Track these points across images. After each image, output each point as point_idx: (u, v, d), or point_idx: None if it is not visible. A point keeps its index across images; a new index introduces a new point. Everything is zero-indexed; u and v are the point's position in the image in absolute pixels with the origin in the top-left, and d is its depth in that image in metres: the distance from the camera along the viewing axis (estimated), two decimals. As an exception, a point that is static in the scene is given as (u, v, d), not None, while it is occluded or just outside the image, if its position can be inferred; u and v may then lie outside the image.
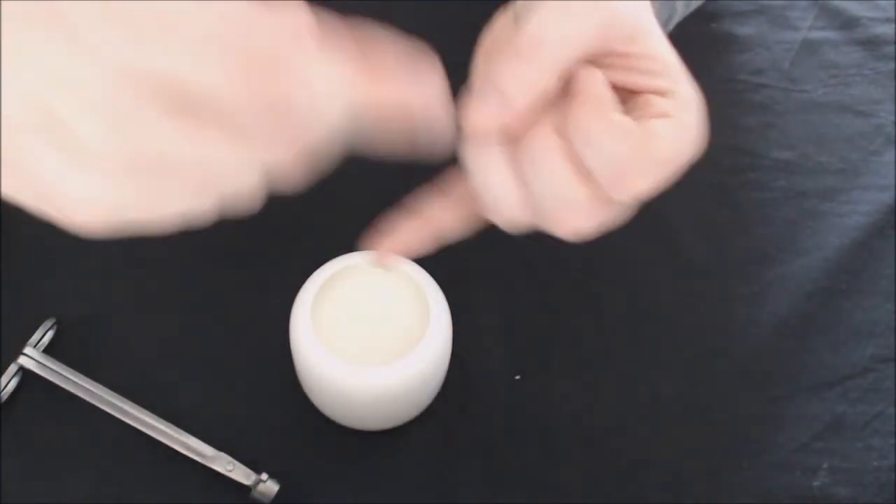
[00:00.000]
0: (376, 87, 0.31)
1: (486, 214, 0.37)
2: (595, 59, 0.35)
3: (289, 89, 0.28)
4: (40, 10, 0.26)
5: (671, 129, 0.34)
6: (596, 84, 0.34)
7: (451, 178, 0.39)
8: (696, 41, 0.66)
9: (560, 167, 0.34)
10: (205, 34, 0.26)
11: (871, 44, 0.66)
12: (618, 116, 0.34)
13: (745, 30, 0.67)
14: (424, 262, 0.48)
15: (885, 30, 0.67)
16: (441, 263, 0.49)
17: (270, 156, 0.29)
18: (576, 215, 0.35)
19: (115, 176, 0.29)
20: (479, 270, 0.56)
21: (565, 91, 0.34)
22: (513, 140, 0.35)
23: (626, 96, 0.36)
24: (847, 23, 0.67)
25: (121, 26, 0.26)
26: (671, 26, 0.53)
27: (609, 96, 0.34)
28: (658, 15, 0.38)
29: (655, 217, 0.59)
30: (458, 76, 0.42)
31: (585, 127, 0.33)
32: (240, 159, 0.29)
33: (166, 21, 0.26)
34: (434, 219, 0.39)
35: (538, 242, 0.58)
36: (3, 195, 0.31)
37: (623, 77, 0.35)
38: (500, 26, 0.36)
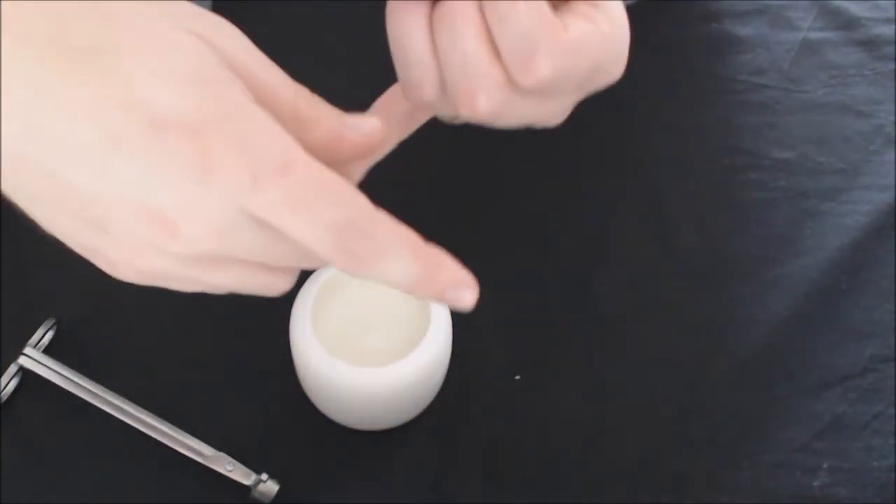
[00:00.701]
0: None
1: (403, 89, 0.38)
2: None
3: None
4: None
5: (584, 24, 0.35)
6: None
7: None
8: (696, 41, 0.67)
9: (471, 37, 0.34)
10: (329, 225, 0.30)
11: (871, 44, 0.66)
12: None
13: (745, 30, 0.67)
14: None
15: (885, 30, 0.67)
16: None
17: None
18: (478, 90, 0.35)
19: (189, 266, 0.32)
20: (479, 270, 0.56)
21: None
22: (432, 6, 0.35)
23: (556, 3, 0.36)
24: (847, 23, 0.67)
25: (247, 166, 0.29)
26: None
27: None
28: None
29: (655, 216, 0.59)
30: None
31: (500, 1, 0.34)
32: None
33: (303, 203, 0.30)
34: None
35: (538, 242, 0.58)
36: (56, 233, 0.34)
37: None
38: None
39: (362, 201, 0.31)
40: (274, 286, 0.35)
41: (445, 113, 0.39)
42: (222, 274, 0.33)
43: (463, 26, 0.34)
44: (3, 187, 0.31)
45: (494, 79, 0.35)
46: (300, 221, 0.30)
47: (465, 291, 0.33)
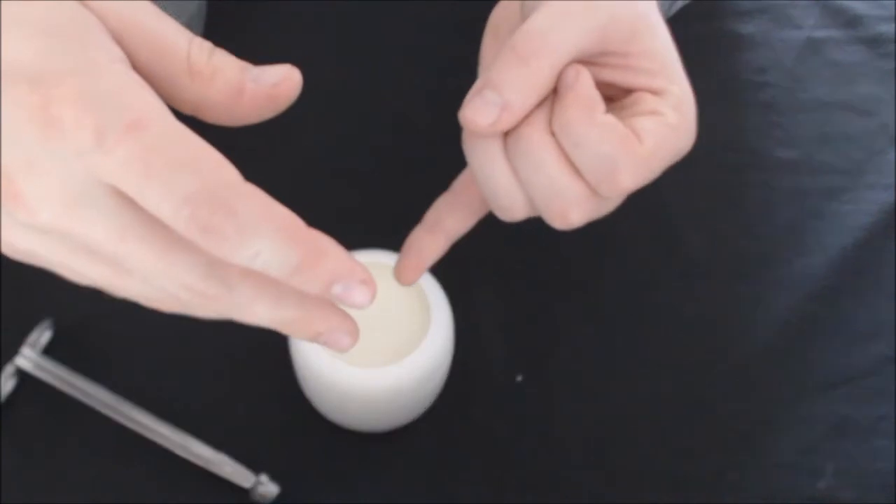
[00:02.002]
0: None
1: (489, 207, 0.39)
2: (591, 58, 0.36)
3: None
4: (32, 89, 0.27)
5: (656, 127, 0.35)
6: (583, 84, 0.35)
7: (460, 181, 0.40)
8: (699, 40, 0.66)
9: (551, 162, 0.35)
10: (184, 197, 0.27)
11: (874, 42, 0.66)
12: (602, 117, 0.34)
13: (748, 29, 0.67)
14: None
15: (888, 28, 0.67)
16: (441, 263, 0.49)
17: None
18: (568, 207, 0.36)
19: (54, 246, 0.30)
20: (480, 271, 0.56)
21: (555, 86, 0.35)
22: (509, 132, 0.36)
23: (621, 94, 0.36)
24: (850, 22, 0.67)
25: (100, 138, 0.27)
26: (674, 10, 0.53)
27: (595, 96, 0.35)
28: (660, 7, 0.39)
29: (657, 216, 0.59)
30: (458, 72, 0.42)
31: (573, 128, 0.34)
32: (157, 279, 0.30)
33: (153, 169, 0.27)
34: (449, 227, 0.41)
35: (539, 243, 0.58)
36: None
37: (617, 75, 0.36)
38: (504, 9, 0.38)
39: (228, 172, 0.28)
40: (155, 297, 0.32)
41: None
42: (85, 264, 0.30)
43: (541, 152, 0.35)
44: None
45: (582, 194, 0.36)
46: (152, 188, 0.27)
47: (357, 287, 0.30)
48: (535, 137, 0.35)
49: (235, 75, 0.30)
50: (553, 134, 0.35)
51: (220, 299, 0.31)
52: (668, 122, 0.36)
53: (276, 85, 0.31)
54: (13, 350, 0.51)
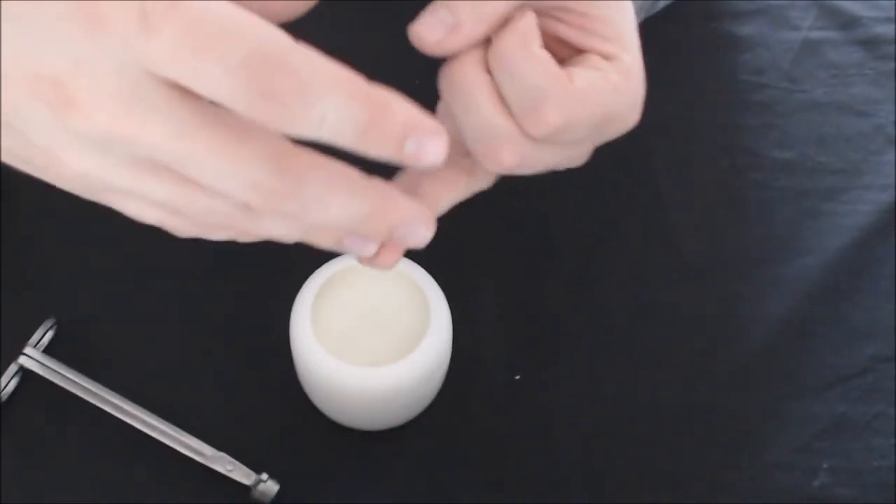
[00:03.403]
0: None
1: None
2: (550, 10, 0.36)
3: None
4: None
5: (592, 75, 0.35)
6: (525, 20, 0.34)
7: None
8: (696, 41, 0.67)
9: (483, 100, 0.35)
10: (238, 63, 0.26)
11: (871, 43, 0.66)
12: (538, 50, 0.34)
13: (745, 30, 0.67)
14: (424, 262, 0.48)
15: (885, 29, 0.67)
16: (441, 263, 0.49)
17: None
18: (499, 147, 0.35)
19: (113, 161, 0.29)
20: (480, 271, 0.56)
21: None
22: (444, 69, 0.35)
23: (573, 54, 0.37)
24: (847, 22, 0.67)
25: (154, 32, 0.26)
26: (656, 10, 0.53)
27: (535, 32, 0.35)
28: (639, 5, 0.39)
29: (656, 216, 0.59)
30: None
31: (507, 57, 0.34)
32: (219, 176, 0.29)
33: (202, 41, 0.26)
34: (429, 193, 0.38)
35: (538, 243, 0.58)
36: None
37: (572, 33, 0.36)
38: None
39: (279, 35, 0.26)
40: (222, 214, 0.30)
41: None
42: (153, 183, 0.29)
43: (475, 89, 0.35)
44: None
45: (513, 133, 0.35)
46: (203, 63, 0.26)
47: (428, 140, 0.29)
48: (467, 72, 0.35)
49: None
50: (485, 71, 0.35)
51: (291, 196, 0.29)
52: (607, 77, 0.35)
53: None
54: (14, 349, 0.51)
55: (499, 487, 0.50)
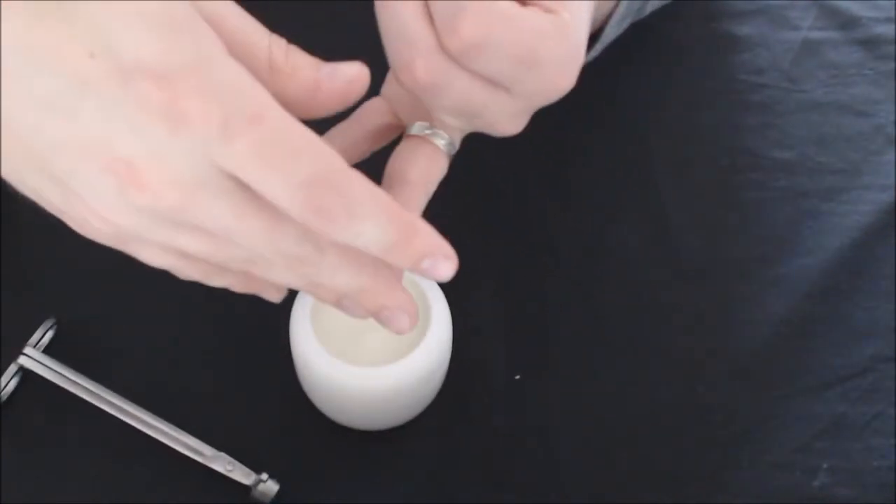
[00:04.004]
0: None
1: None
2: None
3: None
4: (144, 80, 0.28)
5: (521, 10, 0.35)
6: None
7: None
8: (696, 41, 0.67)
9: (409, 9, 0.35)
10: (301, 181, 0.30)
11: (871, 43, 0.66)
12: None
13: (745, 30, 0.67)
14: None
15: (885, 29, 0.67)
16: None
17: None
18: (413, 58, 0.35)
19: (158, 224, 0.31)
20: (479, 271, 0.56)
21: None
22: None
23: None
24: (847, 22, 0.67)
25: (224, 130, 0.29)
26: (647, 11, 0.53)
27: None
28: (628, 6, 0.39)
29: (655, 217, 0.59)
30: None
31: None
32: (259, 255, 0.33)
33: (273, 157, 0.29)
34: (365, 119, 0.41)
35: (538, 243, 0.58)
36: (28, 192, 0.33)
37: None
38: None
39: (336, 159, 0.30)
40: (236, 279, 0.35)
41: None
42: (189, 240, 0.32)
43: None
44: None
45: (429, 45, 0.35)
46: (271, 175, 0.29)
47: (442, 262, 0.33)
48: None
49: (312, 73, 0.32)
50: None
51: (311, 263, 0.33)
52: (536, 18, 0.35)
53: (351, 82, 0.33)
54: (14, 349, 0.51)
55: (499, 487, 0.50)
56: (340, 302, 0.36)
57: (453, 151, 0.41)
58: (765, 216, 0.59)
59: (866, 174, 0.61)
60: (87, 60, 0.28)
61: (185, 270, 0.35)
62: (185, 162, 0.29)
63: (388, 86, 0.42)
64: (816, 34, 0.67)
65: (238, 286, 0.36)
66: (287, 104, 0.31)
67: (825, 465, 0.51)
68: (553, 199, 0.59)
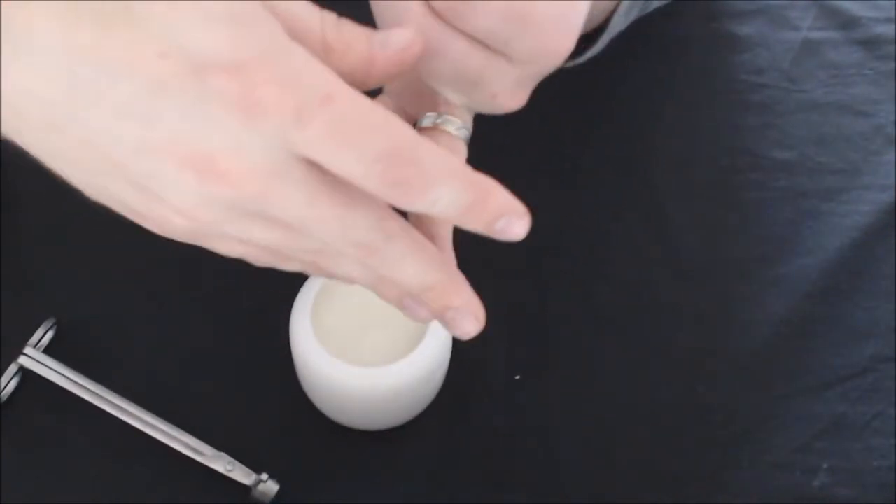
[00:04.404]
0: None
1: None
2: None
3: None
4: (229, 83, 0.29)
5: None
6: None
7: None
8: (696, 41, 0.67)
9: None
10: (376, 156, 0.30)
11: (871, 44, 0.66)
12: None
13: (745, 30, 0.67)
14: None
15: (885, 29, 0.67)
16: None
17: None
18: (404, 23, 0.34)
19: (236, 215, 0.31)
20: (479, 271, 0.56)
21: None
22: None
23: None
24: (847, 23, 0.67)
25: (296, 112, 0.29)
26: (649, 9, 0.52)
27: None
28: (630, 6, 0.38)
29: (655, 217, 0.59)
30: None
31: None
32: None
33: (347, 136, 0.30)
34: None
35: (538, 243, 0.58)
36: (102, 198, 0.33)
37: None
38: None
39: (407, 129, 0.30)
40: (313, 263, 0.35)
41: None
42: (263, 230, 0.32)
43: None
44: (44, 156, 0.31)
45: (418, 7, 0.34)
46: (346, 153, 0.30)
47: (516, 220, 0.33)
48: None
49: (366, 46, 0.33)
50: None
51: (377, 252, 0.33)
52: None
53: (404, 49, 0.33)
54: (14, 349, 0.51)
55: (499, 487, 0.50)
56: (403, 301, 0.36)
57: (468, 135, 0.41)
58: (765, 216, 0.59)
59: (866, 174, 0.61)
60: (159, 62, 0.28)
61: (259, 258, 0.35)
62: (262, 151, 0.30)
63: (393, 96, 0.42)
64: (816, 34, 0.67)
65: (310, 271, 0.36)
66: (345, 79, 0.31)
67: (825, 465, 0.51)
68: (553, 198, 0.59)
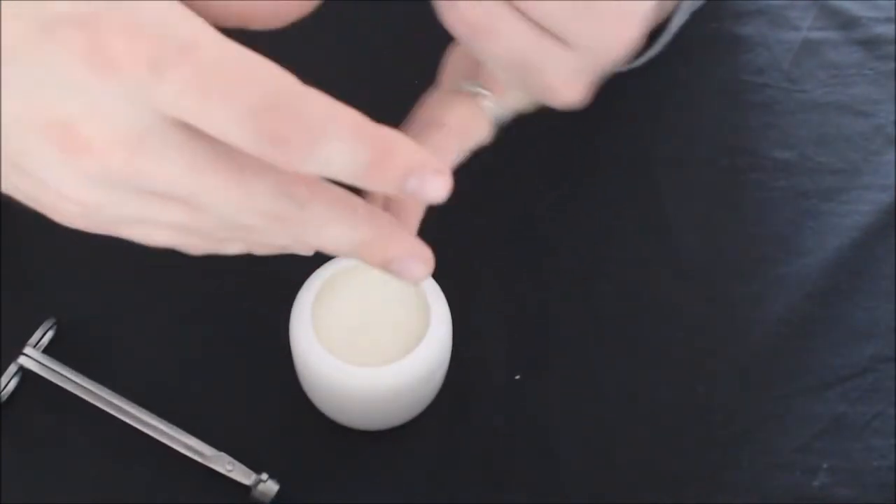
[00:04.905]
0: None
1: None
2: None
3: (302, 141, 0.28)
4: (73, 25, 0.27)
5: None
6: None
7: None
8: (696, 41, 0.67)
9: None
10: (247, 109, 0.27)
11: (871, 44, 0.66)
12: None
13: (745, 30, 0.67)
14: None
15: (885, 29, 0.67)
16: (441, 263, 0.49)
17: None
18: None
19: (123, 195, 0.29)
20: (479, 270, 0.56)
21: None
22: None
23: None
24: (847, 22, 0.67)
25: (152, 68, 0.27)
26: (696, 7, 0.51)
27: None
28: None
29: (655, 217, 0.59)
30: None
31: None
32: (237, 210, 0.30)
33: (212, 87, 0.27)
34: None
35: (538, 242, 0.58)
36: (4, 187, 0.31)
37: None
38: None
39: (287, 78, 0.28)
40: (228, 237, 0.32)
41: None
42: (161, 209, 0.30)
43: None
44: None
45: None
46: (213, 107, 0.27)
47: (430, 178, 0.29)
48: None
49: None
50: None
51: (292, 220, 0.30)
52: None
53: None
54: (14, 349, 0.51)
55: (499, 487, 0.50)
56: (356, 254, 0.33)
57: (499, 116, 0.38)
58: (765, 216, 0.59)
59: (866, 174, 0.61)
60: (10, 23, 0.27)
61: (189, 245, 0.33)
62: (123, 113, 0.27)
63: (449, 64, 0.40)
64: (816, 34, 0.67)
65: (254, 250, 0.34)
66: (258, 11, 0.29)
67: (825, 465, 0.51)
68: (553, 198, 0.59)
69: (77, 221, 0.32)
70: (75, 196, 0.29)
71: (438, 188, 0.29)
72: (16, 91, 0.27)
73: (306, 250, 0.34)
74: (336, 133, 0.28)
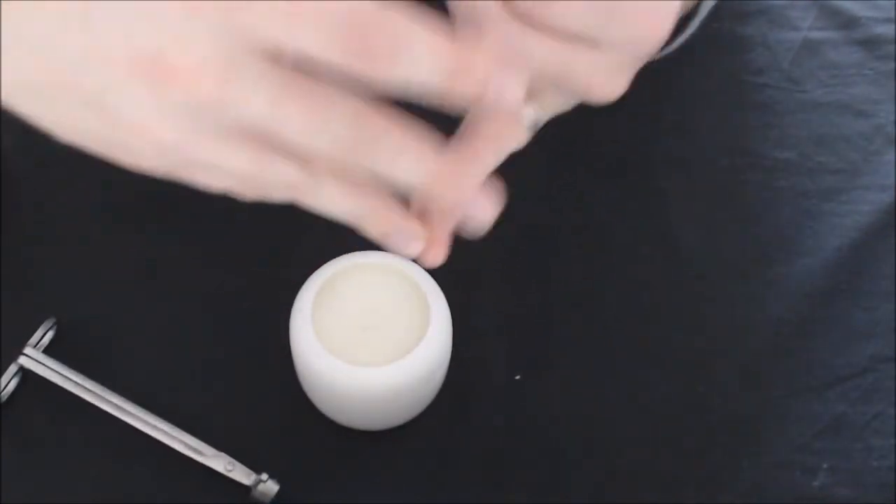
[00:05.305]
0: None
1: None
2: None
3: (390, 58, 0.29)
4: None
5: None
6: None
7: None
8: (696, 41, 0.66)
9: None
10: (334, 26, 0.28)
11: (871, 43, 0.66)
12: None
13: (745, 30, 0.67)
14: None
15: (885, 29, 0.67)
16: (441, 263, 0.49)
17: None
18: (482, 33, 0.33)
19: (202, 130, 0.30)
20: (479, 270, 0.56)
21: None
22: None
23: None
24: (847, 22, 0.67)
25: None
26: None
27: None
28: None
29: (655, 217, 0.59)
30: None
31: None
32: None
33: (298, 7, 0.28)
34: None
35: (538, 242, 0.58)
36: (71, 133, 0.31)
37: None
38: None
39: None
40: (295, 179, 0.32)
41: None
42: (234, 152, 0.31)
43: None
44: (12, 94, 0.30)
45: (494, 12, 0.33)
46: (301, 26, 0.28)
47: (509, 82, 0.31)
48: None
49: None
50: None
51: (368, 151, 0.31)
52: None
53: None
54: (14, 349, 0.51)
55: (499, 487, 0.50)
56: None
57: (534, 122, 0.38)
58: (765, 216, 0.59)
59: (866, 174, 0.61)
60: None
61: (244, 191, 0.33)
62: (211, 41, 0.28)
63: None
64: (816, 34, 0.67)
65: (297, 198, 0.34)
66: None
67: (825, 465, 0.51)
68: (553, 198, 0.59)
69: (148, 162, 0.32)
70: (157, 131, 0.30)
71: (517, 89, 0.31)
72: (102, 28, 0.28)
73: (347, 210, 0.33)
74: (421, 44, 0.28)
